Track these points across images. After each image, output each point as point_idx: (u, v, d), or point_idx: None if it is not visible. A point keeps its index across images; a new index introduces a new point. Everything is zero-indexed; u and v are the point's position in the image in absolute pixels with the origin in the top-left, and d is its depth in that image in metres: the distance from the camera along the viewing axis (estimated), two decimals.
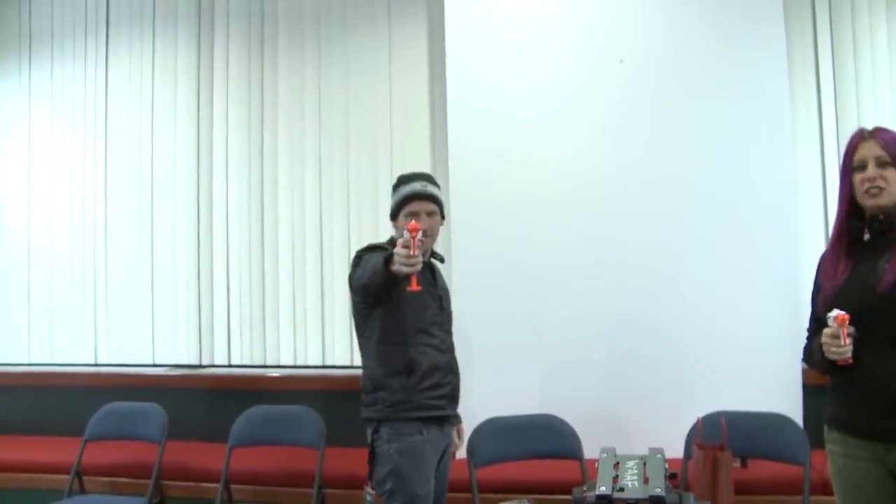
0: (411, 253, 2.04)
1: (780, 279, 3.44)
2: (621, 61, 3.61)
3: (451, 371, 2.61)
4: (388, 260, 2.16)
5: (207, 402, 4.27)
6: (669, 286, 3.51)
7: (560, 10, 3.70)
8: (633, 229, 3.55)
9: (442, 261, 2.78)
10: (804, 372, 3.42)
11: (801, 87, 3.88)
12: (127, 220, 4.74)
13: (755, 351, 3.41)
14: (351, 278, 2.52)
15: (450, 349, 2.66)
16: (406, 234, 2.05)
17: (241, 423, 3.63)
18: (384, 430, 2.48)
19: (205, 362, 4.56)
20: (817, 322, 2.10)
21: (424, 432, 2.47)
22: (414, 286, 2.09)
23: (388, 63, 4.37)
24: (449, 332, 2.70)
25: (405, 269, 2.07)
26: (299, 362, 4.42)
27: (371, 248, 2.52)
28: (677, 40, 3.60)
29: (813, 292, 2.18)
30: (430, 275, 2.65)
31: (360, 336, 2.61)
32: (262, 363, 4.48)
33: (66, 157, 4.89)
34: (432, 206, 2.58)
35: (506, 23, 3.73)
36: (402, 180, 2.65)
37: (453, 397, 2.61)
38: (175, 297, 4.63)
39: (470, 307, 3.55)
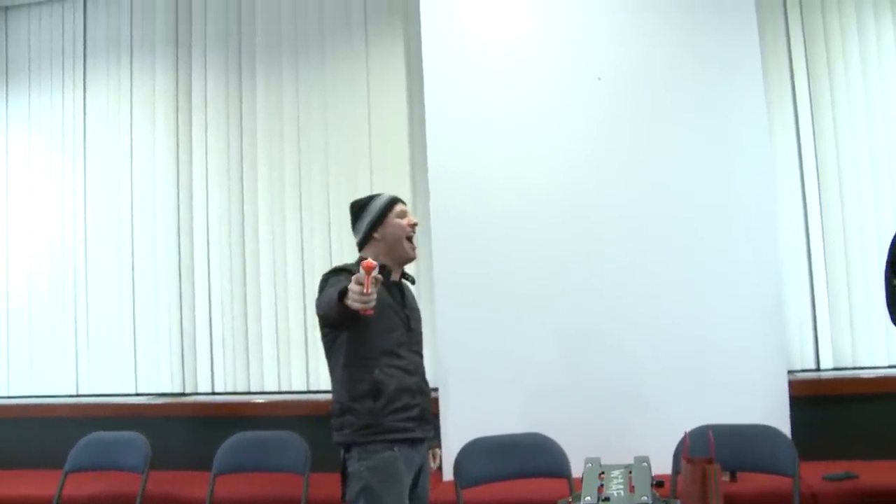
0: (365, 290, 2.03)
1: (762, 291, 3.45)
2: (599, 79, 3.64)
3: (419, 392, 2.56)
4: (344, 294, 2.13)
5: (191, 430, 4.21)
6: (652, 301, 3.50)
7: (537, 29, 3.72)
8: (613, 245, 3.55)
9: (413, 282, 2.75)
10: (791, 383, 3.42)
11: (777, 99, 3.93)
12: (106, 249, 4.70)
13: (740, 364, 3.40)
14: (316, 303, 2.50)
15: (418, 370, 2.61)
16: (361, 271, 2.04)
17: (226, 450, 3.57)
18: (355, 450, 2.45)
19: (188, 390, 4.51)
20: None
21: (396, 449, 2.44)
22: (367, 311, 2.08)
23: (366, 88, 4.38)
24: (418, 353, 2.66)
25: (357, 307, 2.06)
26: (283, 388, 4.38)
27: (336, 271, 2.50)
28: (654, 57, 3.62)
29: None
30: (399, 295, 2.62)
31: (328, 360, 2.58)
32: (246, 389, 4.44)
33: (45, 185, 4.86)
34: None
35: (483, 43, 3.74)
36: (368, 199, 2.67)
37: (422, 418, 2.55)
38: (157, 325, 4.58)
39: (452, 328, 3.56)
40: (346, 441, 2.47)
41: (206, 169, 4.60)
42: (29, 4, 4.97)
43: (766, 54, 3.85)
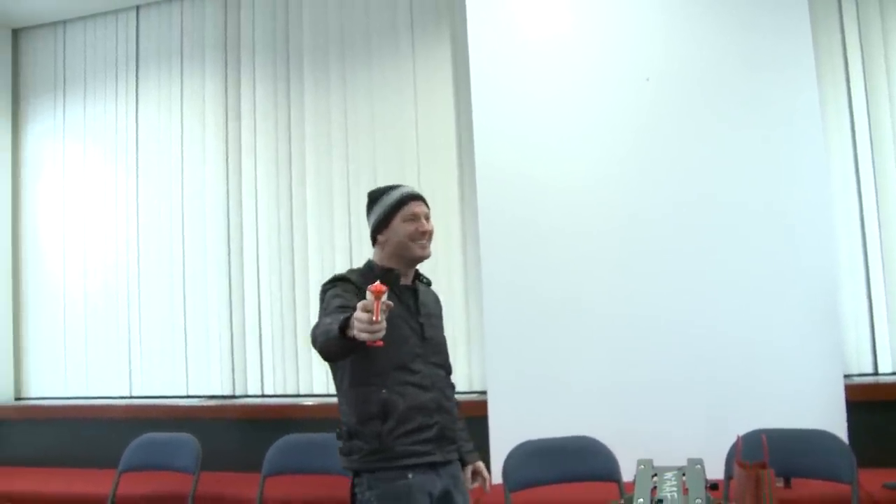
0: (374, 318, 1.76)
1: (818, 294, 3.37)
2: (647, 79, 3.60)
3: (437, 409, 2.26)
4: (346, 325, 1.86)
5: (241, 431, 4.28)
6: (705, 303, 3.45)
7: (584, 30, 3.70)
8: (665, 247, 3.50)
9: (429, 284, 2.46)
10: (847, 388, 3.34)
11: (832, 100, 3.83)
12: (159, 254, 4.81)
13: (795, 367, 3.33)
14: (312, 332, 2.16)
15: (436, 385, 2.30)
16: (369, 297, 1.77)
17: (275, 451, 3.61)
18: (364, 477, 2.21)
19: (238, 392, 4.58)
20: None
21: (410, 475, 2.18)
22: (377, 343, 1.81)
23: (413, 90, 4.40)
24: (437, 364, 2.35)
25: (365, 337, 1.77)
26: (332, 391, 4.38)
27: (335, 281, 2.27)
28: (704, 57, 3.57)
29: None
30: (412, 300, 2.33)
31: (333, 378, 2.33)
32: (295, 392, 4.49)
33: (100, 192, 5.00)
34: (427, 209, 2.35)
35: (530, 44, 3.74)
36: (382, 191, 2.40)
37: (442, 438, 2.26)
38: (208, 328, 4.67)
39: (500, 330, 3.53)
40: (353, 468, 2.23)
41: (256, 174, 4.67)
42: (84, 17, 5.12)
43: (820, 52, 3.76)
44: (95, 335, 4.92)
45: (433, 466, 2.24)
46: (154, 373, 4.76)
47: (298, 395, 4.47)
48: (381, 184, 4.25)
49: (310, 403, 4.34)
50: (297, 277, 4.55)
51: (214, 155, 4.74)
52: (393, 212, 2.30)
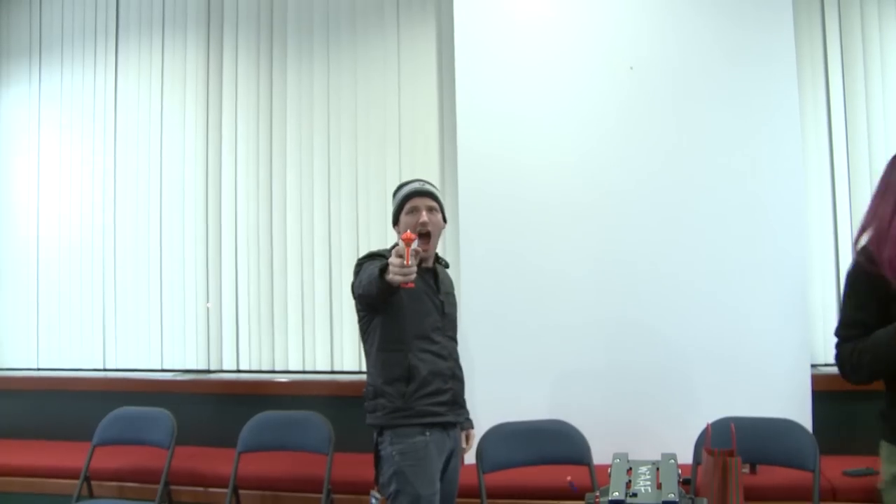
0: (405, 263, 2.09)
1: (788, 285, 3.44)
2: (631, 68, 3.62)
3: (452, 377, 2.60)
4: (384, 269, 2.19)
5: (216, 407, 4.28)
6: (678, 292, 3.50)
7: (570, 17, 3.70)
8: (642, 235, 3.55)
9: (447, 266, 2.79)
10: (813, 378, 3.42)
11: (811, 93, 3.88)
12: (136, 226, 4.76)
13: (764, 357, 3.41)
14: (352, 286, 2.55)
15: (451, 355, 2.65)
16: (400, 244, 2.08)
17: (250, 428, 3.63)
18: (387, 434, 2.51)
19: (213, 367, 4.58)
20: (863, 326, 1.93)
21: (427, 433, 2.49)
22: (409, 284, 2.14)
23: (396, 69, 4.38)
24: (452, 338, 2.69)
25: (399, 279, 2.11)
26: (308, 367, 4.43)
27: (371, 256, 2.55)
28: (687, 47, 3.60)
29: (855, 294, 2.00)
30: (433, 280, 2.64)
31: (363, 342, 2.64)
32: (270, 368, 4.49)
33: (76, 162, 4.92)
34: (432, 202, 2.61)
35: (515, 29, 3.74)
36: (400, 186, 2.71)
37: (455, 403, 2.61)
38: (184, 302, 4.65)
39: (478, 312, 3.56)
40: (378, 423, 2.52)
41: (235, 147, 4.63)
42: None
43: (801, 46, 3.81)
44: (69, 306, 4.87)
45: (445, 428, 2.56)
46: (128, 346, 4.73)
47: (273, 371, 4.48)
48: (363, 161, 4.37)
49: (284, 380, 4.35)
50: (275, 251, 4.53)
51: (194, 127, 4.69)
52: (399, 208, 2.63)
